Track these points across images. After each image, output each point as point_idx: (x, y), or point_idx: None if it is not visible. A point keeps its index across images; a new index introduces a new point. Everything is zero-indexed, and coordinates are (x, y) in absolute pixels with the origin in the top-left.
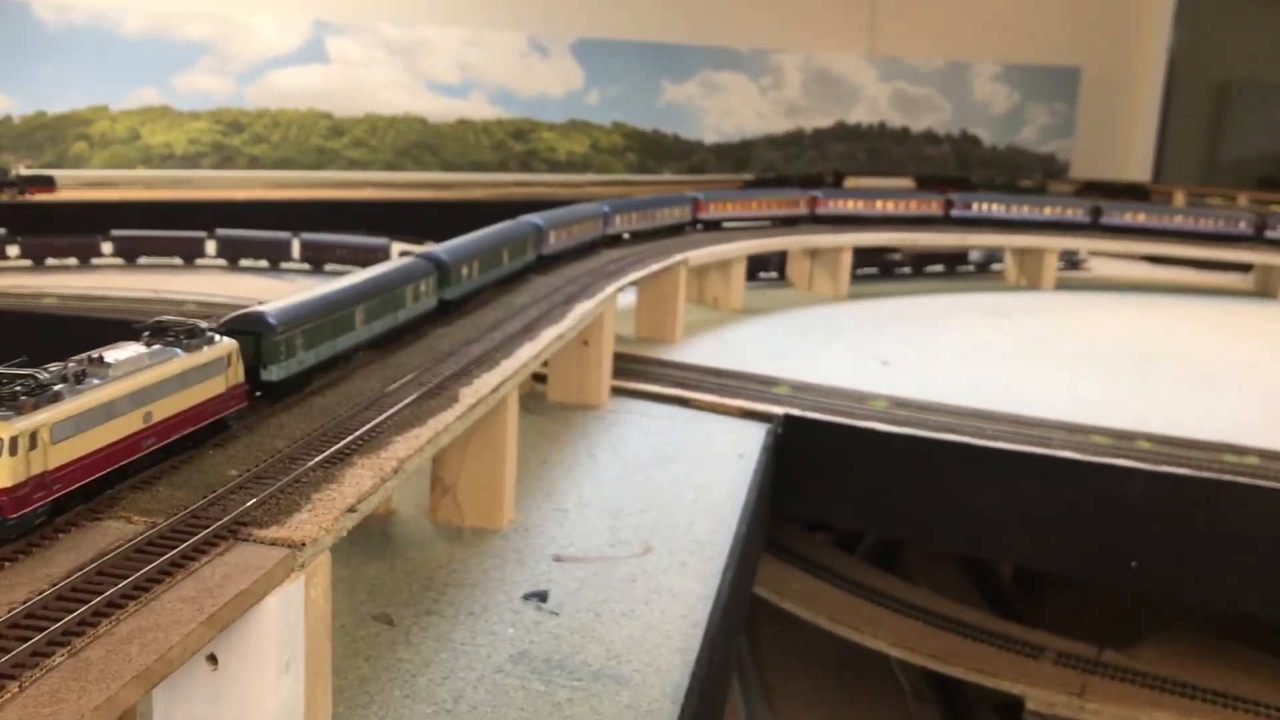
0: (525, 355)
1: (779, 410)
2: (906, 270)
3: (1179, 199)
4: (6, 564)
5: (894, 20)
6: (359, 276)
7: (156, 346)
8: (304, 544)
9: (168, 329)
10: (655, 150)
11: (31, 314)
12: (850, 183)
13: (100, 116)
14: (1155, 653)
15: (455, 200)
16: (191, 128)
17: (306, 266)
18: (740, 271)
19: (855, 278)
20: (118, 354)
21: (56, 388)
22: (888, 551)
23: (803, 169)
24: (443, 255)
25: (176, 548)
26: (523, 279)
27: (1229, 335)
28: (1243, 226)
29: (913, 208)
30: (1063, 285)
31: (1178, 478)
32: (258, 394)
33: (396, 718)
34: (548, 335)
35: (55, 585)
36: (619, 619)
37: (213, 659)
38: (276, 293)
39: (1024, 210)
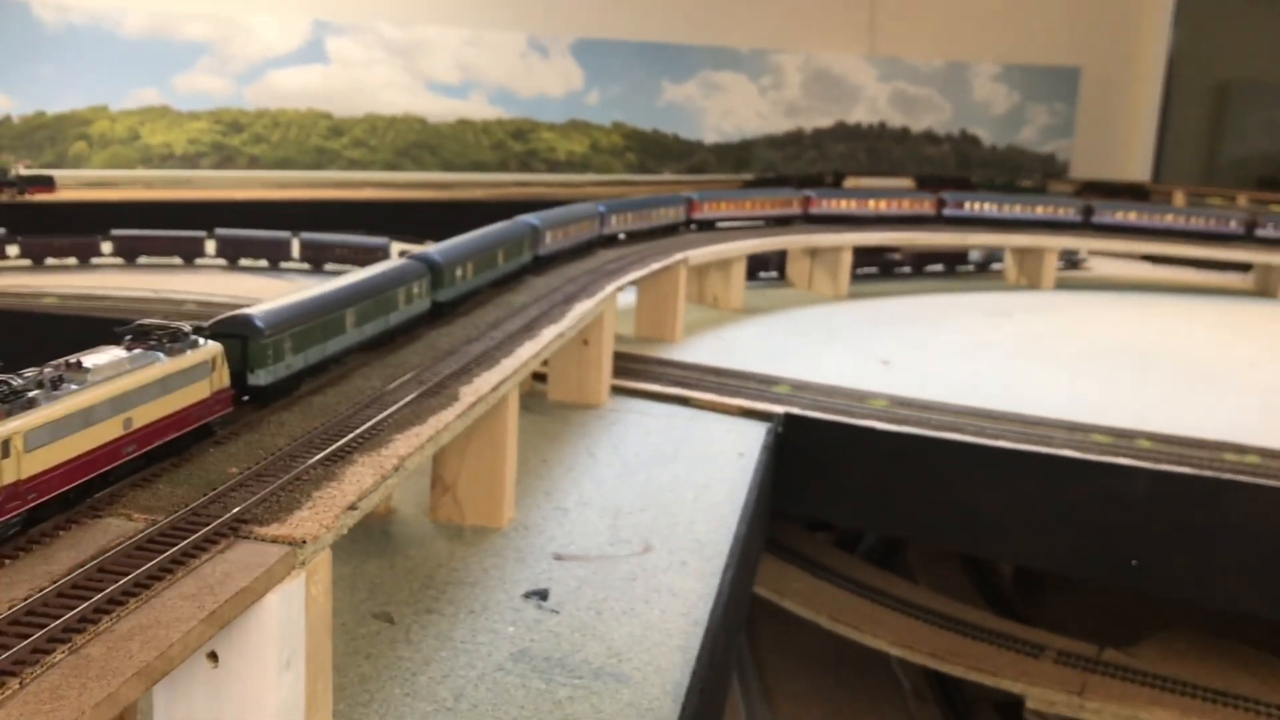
0: (525, 354)
1: (779, 409)
2: (906, 270)
3: (1179, 199)
4: (7, 561)
5: (894, 20)
6: (350, 279)
7: (137, 351)
8: (305, 541)
9: (150, 332)
10: (655, 150)
11: (31, 314)
12: (850, 183)
13: (100, 116)
14: (1155, 652)
15: (455, 200)
16: (191, 128)
17: (306, 266)
18: (740, 271)
19: (855, 277)
20: (96, 358)
21: (32, 394)
22: (888, 551)
23: (803, 169)
24: (436, 256)
25: (177, 545)
26: (518, 280)
27: (1229, 335)
28: (1234, 226)
29: (906, 207)
30: (1062, 285)
31: (1178, 476)
32: (245, 399)
33: (397, 716)
34: (548, 334)
35: (56, 582)
36: (619, 617)
37: (213, 656)
38: (276, 292)
39: (1016, 209)
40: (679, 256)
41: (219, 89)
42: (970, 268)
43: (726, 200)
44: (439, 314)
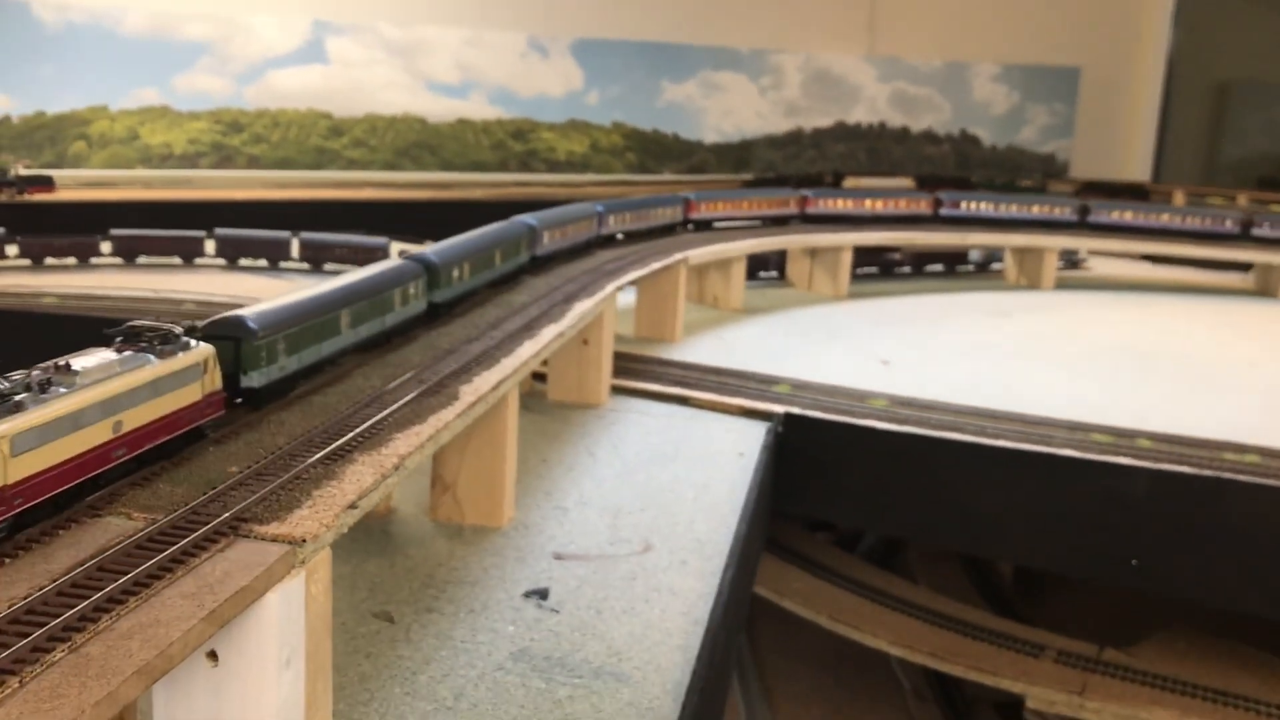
0: (526, 353)
1: (779, 409)
2: (906, 270)
3: (1179, 199)
4: (7, 560)
5: (894, 20)
6: (344, 279)
7: (128, 353)
8: (305, 540)
9: (141, 334)
10: (655, 150)
11: (31, 313)
12: (850, 183)
13: (99, 116)
14: (1155, 651)
15: (455, 200)
16: (191, 128)
17: (306, 266)
18: (740, 271)
19: (855, 277)
20: (85, 361)
21: (18, 397)
22: (888, 550)
23: (802, 169)
24: (432, 257)
25: (177, 544)
26: (516, 281)
27: (1229, 335)
28: (1230, 225)
29: (902, 206)
30: (1062, 285)
31: (1178, 476)
32: (238, 401)
33: (397, 715)
34: (548, 333)
35: (56, 581)
36: (619, 617)
37: (213, 655)
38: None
39: (1013, 209)
40: (679, 256)
41: (219, 89)
42: (970, 268)
43: (723, 200)
44: (435, 315)
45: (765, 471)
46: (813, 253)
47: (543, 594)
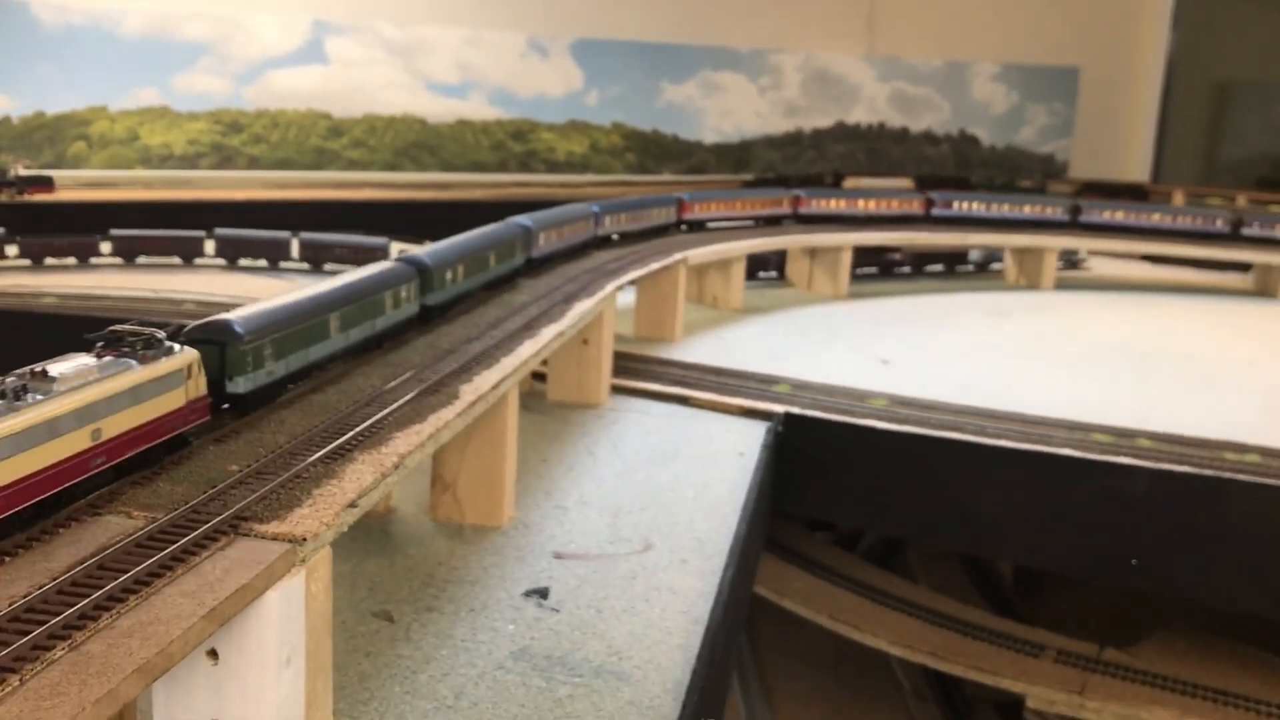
0: (526, 353)
1: (779, 408)
2: (906, 270)
3: (1178, 199)
4: (7, 558)
5: (893, 20)
6: (334, 282)
7: (108, 358)
8: (305, 539)
9: (123, 339)
10: (655, 151)
11: (31, 314)
12: (850, 183)
13: (99, 117)
14: (1155, 651)
15: (454, 201)
16: (190, 128)
17: (306, 266)
18: (740, 271)
19: (855, 277)
20: (63, 367)
21: None
22: (887, 550)
23: (802, 169)
24: (425, 259)
25: (177, 542)
26: (511, 283)
27: (1229, 335)
28: (1220, 225)
29: (894, 207)
30: (1062, 285)
31: (1178, 475)
32: (225, 406)
33: (397, 714)
34: (548, 333)
35: (56, 579)
36: (620, 616)
37: (213, 653)
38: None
39: (1004, 209)
40: (679, 256)
41: (218, 89)
42: (970, 268)
43: (716, 201)
44: (428, 318)
45: (765, 471)
46: (812, 253)
47: (543, 593)
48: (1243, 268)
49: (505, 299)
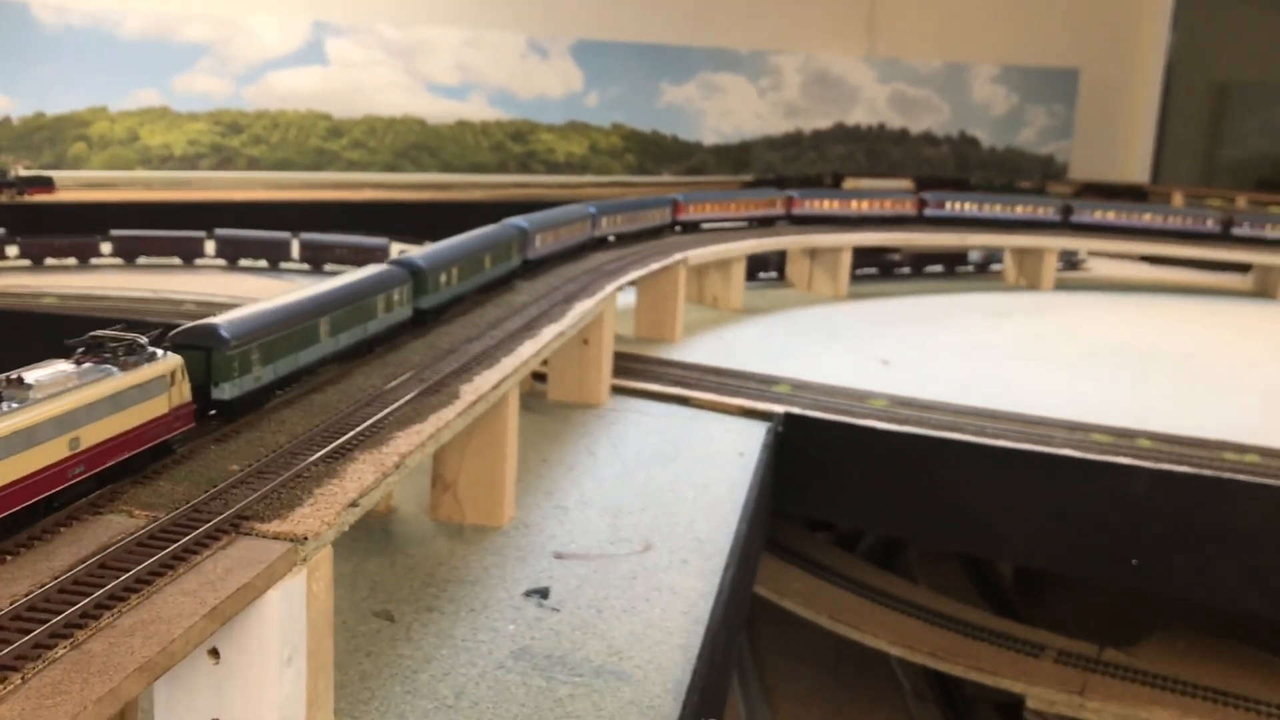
0: (526, 352)
1: (779, 409)
2: (906, 270)
3: (1178, 200)
4: (8, 557)
5: (893, 21)
6: (325, 285)
7: (87, 365)
8: (306, 538)
9: (104, 344)
10: (654, 152)
11: (31, 314)
12: (849, 184)
13: (99, 117)
14: (1156, 651)
15: (454, 201)
16: (190, 129)
17: (306, 267)
18: (740, 271)
19: (854, 278)
20: (40, 374)
21: None
22: (888, 550)
23: (802, 170)
24: (418, 261)
25: (179, 541)
26: (506, 286)
27: (1228, 335)
28: (1210, 225)
29: (887, 207)
30: (1062, 285)
31: (1178, 475)
32: (211, 413)
33: (398, 713)
34: (548, 333)
35: (57, 578)
36: (620, 616)
37: (214, 652)
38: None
39: (996, 209)
40: (679, 256)
41: (218, 90)
42: (970, 268)
43: (710, 202)
44: (422, 322)
45: (765, 471)
46: (812, 253)
47: (543, 593)
48: (1240, 268)
49: (505, 299)
